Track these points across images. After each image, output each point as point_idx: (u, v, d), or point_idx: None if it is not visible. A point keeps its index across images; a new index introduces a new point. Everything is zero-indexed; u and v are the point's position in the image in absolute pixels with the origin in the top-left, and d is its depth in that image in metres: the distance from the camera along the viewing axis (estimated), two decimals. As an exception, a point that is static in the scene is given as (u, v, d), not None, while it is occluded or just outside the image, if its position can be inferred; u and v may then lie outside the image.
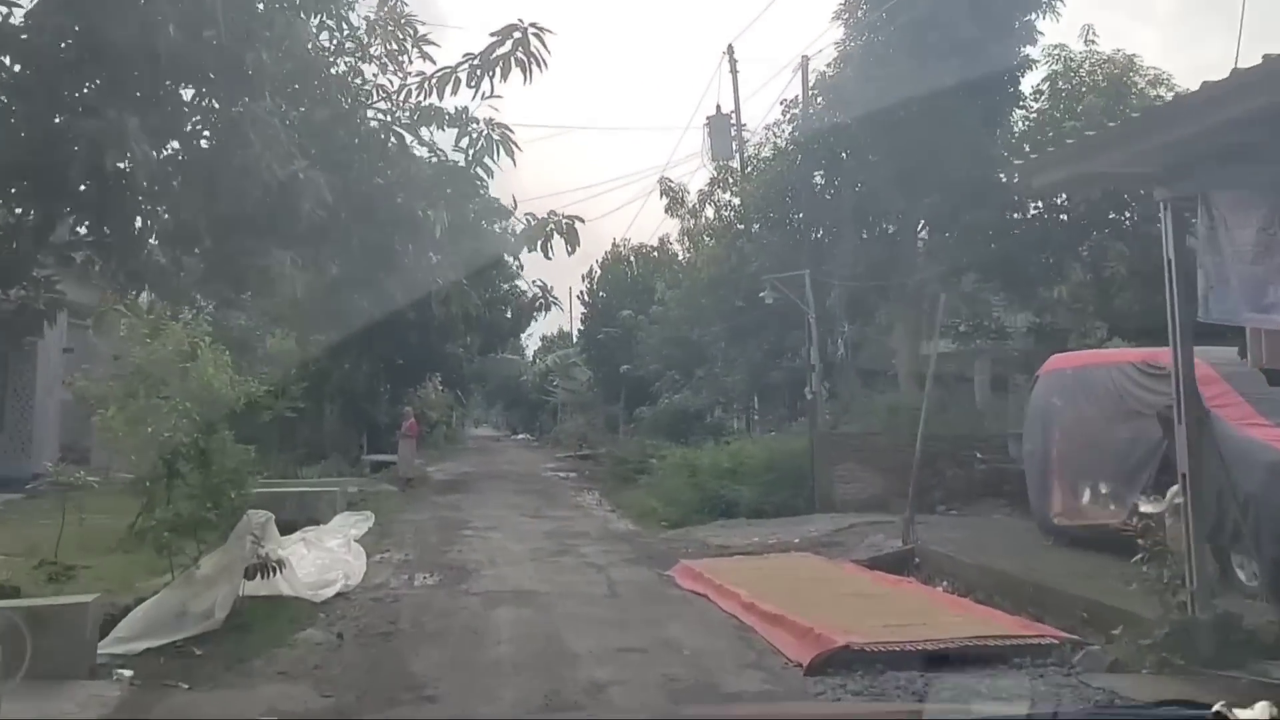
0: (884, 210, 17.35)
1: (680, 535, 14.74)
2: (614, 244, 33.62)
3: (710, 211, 23.99)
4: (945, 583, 9.92)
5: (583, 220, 7.77)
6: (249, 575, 8.49)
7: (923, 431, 11.93)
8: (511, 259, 31.00)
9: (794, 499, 15.86)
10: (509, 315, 32.95)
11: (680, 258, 27.25)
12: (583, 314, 36.12)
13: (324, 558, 11.90)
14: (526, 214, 8.03)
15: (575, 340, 53.20)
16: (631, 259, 33.30)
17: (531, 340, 56.23)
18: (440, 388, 43.47)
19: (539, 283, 7.61)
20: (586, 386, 38.89)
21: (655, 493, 18.06)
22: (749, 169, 22.52)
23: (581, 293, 35.36)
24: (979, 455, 14.94)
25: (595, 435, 40.54)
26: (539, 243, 7.94)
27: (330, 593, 9.85)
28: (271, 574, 8.57)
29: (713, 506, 16.16)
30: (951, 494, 14.50)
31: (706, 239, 23.58)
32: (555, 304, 7.85)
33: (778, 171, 19.15)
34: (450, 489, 24.51)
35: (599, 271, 34.56)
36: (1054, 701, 5.69)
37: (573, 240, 7.83)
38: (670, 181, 22.90)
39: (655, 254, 31.68)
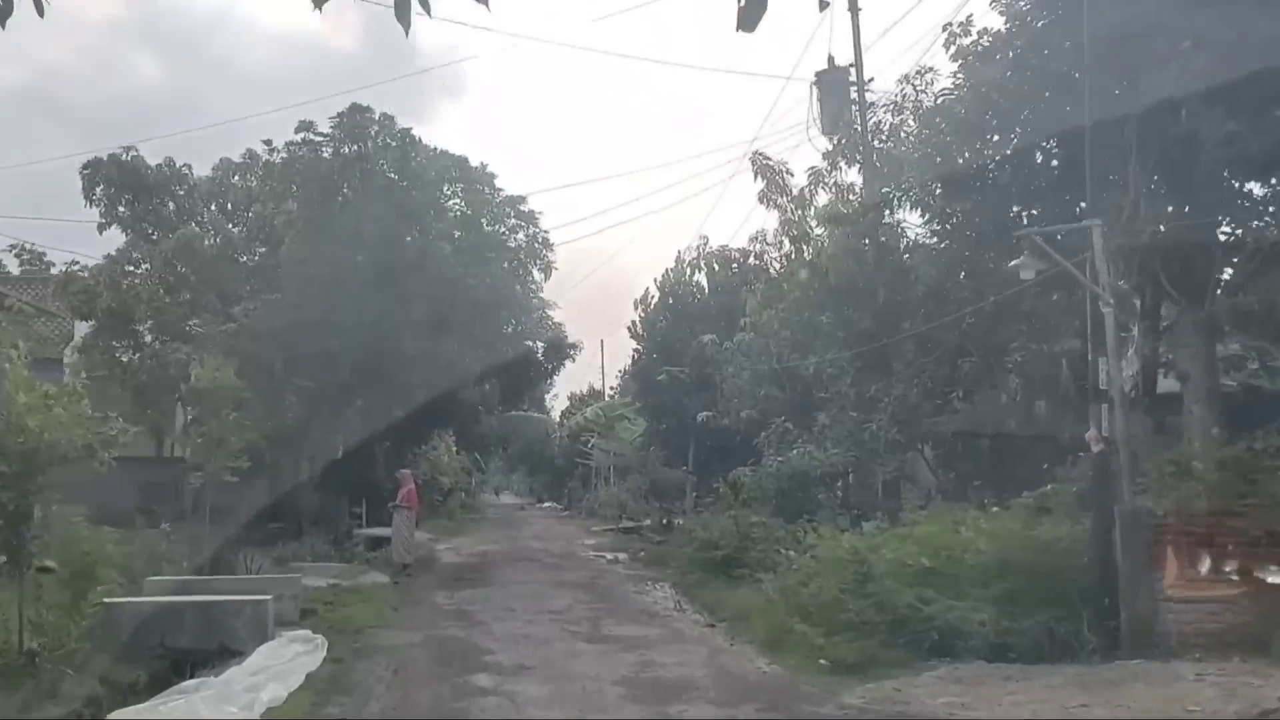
0: (1183, 139, 10.42)
1: (879, 697, 7.87)
2: (678, 255, 25.73)
3: (823, 198, 17.36)
4: None
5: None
6: None
7: None
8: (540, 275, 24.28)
9: (1066, 626, 8.97)
10: (540, 352, 26.25)
11: (776, 267, 20.29)
12: (635, 351, 28.57)
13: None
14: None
15: (607, 396, 45.99)
16: (702, 268, 24.89)
17: (558, 401, 49.93)
18: (454, 448, 36.87)
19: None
20: (639, 444, 31.33)
21: (789, 601, 11.08)
22: (888, 131, 16.02)
23: (632, 323, 27.74)
24: None
25: (637, 504, 33.66)
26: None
27: None
28: None
29: (911, 634, 9.32)
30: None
31: (819, 233, 16.94)
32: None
33: (971, 102, 12.46)
34: (462, 580, 17.86)
35: (656, 294, 26.71)
36: None
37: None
38: (765, 158, 16.26)
39: (742, 259, 23.14)
